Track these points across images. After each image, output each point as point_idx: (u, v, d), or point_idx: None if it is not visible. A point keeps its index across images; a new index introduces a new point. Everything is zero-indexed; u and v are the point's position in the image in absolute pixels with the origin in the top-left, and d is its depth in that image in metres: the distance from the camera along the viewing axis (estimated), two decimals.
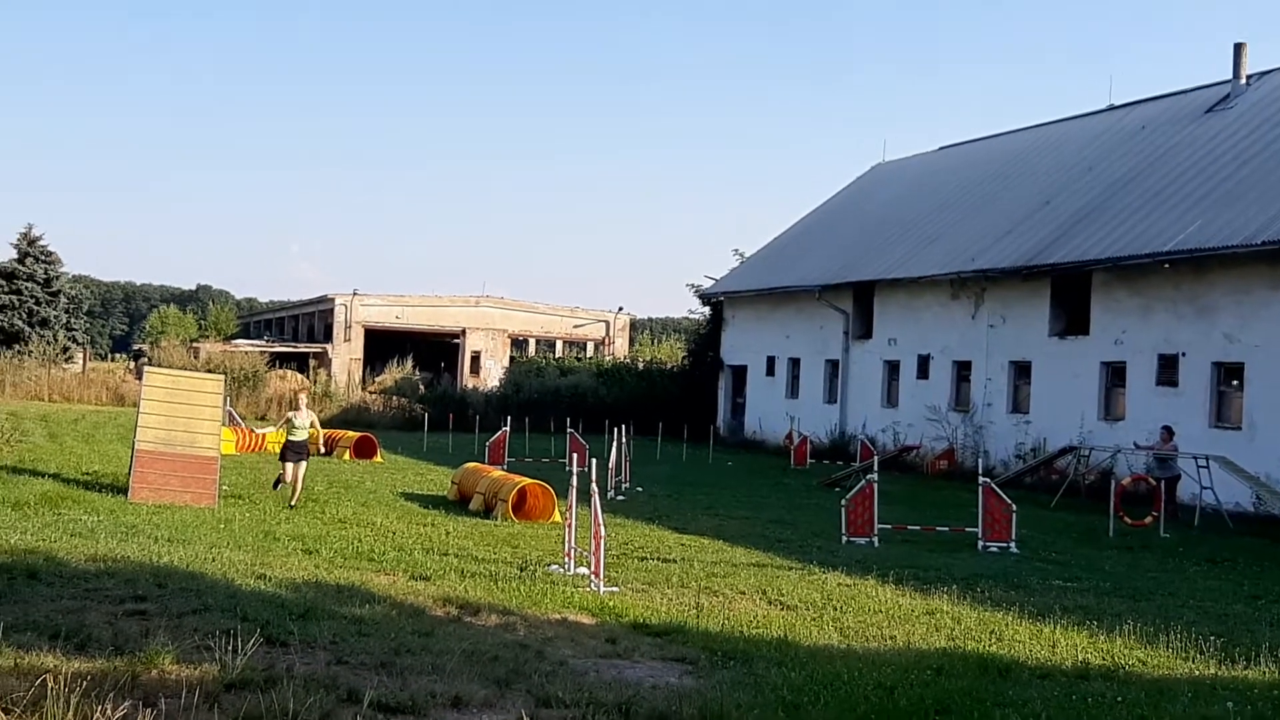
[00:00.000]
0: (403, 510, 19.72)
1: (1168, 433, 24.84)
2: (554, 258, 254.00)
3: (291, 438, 19.67)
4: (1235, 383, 26.92)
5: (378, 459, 29.72)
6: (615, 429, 25.82)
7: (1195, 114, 34.62)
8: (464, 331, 66.77)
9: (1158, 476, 23.72)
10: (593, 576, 12.94)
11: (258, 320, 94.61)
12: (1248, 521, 23.41)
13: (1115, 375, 30.18)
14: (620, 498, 23.21)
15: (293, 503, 19.08)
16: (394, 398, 50.92)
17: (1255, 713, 8.17)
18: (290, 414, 20.19)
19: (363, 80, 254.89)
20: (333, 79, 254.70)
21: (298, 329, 76.28)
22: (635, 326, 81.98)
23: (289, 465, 19.51)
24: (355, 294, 64.77)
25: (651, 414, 41.80)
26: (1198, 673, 9.88)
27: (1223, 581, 16.00)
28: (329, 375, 55.94)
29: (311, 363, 61.77)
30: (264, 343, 67.90)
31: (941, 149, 49.04)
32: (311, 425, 19.92)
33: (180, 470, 18.80)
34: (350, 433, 32.52)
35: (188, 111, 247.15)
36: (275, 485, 20.36)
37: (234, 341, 68.70)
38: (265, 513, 18.07)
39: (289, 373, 54.06)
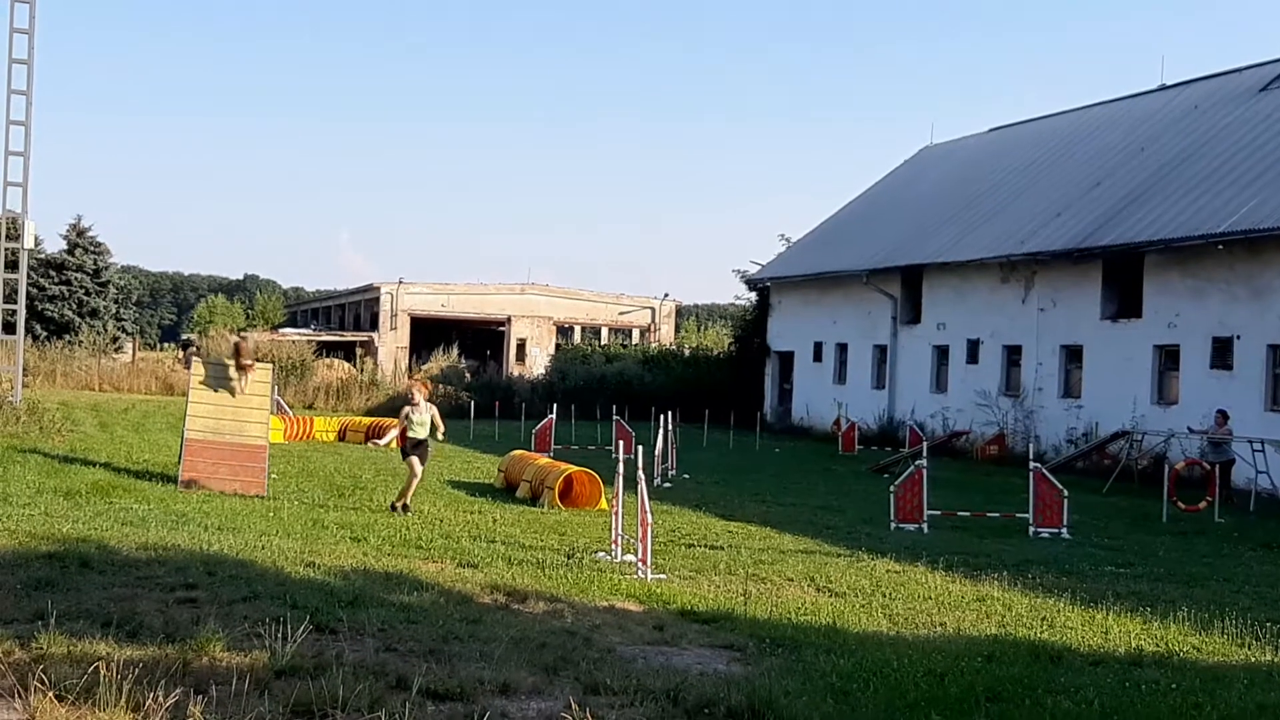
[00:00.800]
0: (450, 498, 19.78)
1: (1222, 416, 24.51)
2: (599, 245, 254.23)
3: (412, 435, 17.85)
4: None
5: None
6: (661, 416, 25.78)
7: (1248, 93, 34.08)
8: (509, 319, 66.93)
9: (1212, 461, 23.43)
10: (640, 564, 12.92)
11: (304, 309, 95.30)
12: None
13: (1168, 358, 29.80)
14: (667, 485, 23.18)
15: (405, 502, 17.44)
16: (440, 386, 51.09)
17: None
18: (407, 409, 18.07)
19: (407, 68, 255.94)
20: (377, 68, 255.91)
21: (344, 318, 76.79)
22: (681, 313, 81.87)
23: (414, 461, 17.66)
24: (401, 282, 65.09)
25: (698, 401, 41.69)
26: (1254, 659, 9.74)
27: (1279, 567, 15.75)
28: (375, 364, 56.24)
29: (358, 351, 62.14)
30: (311, 332, 68.41)
31: (991, 131, 48.59)
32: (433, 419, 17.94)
33: (229, 459, 18.94)
34: (397, 420, 32.58)
35: (235, 102, 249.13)
36: (394, 508, 17.51)
37: (281, 330, 69.24)
38: (314, 501, 18.16)
39: (335, 361, 54.40)
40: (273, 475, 19.87)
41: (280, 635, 7.73)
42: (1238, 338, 27.52)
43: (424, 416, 17.91)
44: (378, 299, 65.18)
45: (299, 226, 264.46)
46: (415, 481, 17.70)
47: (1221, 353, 28.03)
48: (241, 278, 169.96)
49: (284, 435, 29.15)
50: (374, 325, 65.51)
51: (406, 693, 6.92)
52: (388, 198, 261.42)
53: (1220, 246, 27.58)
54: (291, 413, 34.18)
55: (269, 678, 7.14)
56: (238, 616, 8.86)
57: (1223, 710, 7.66)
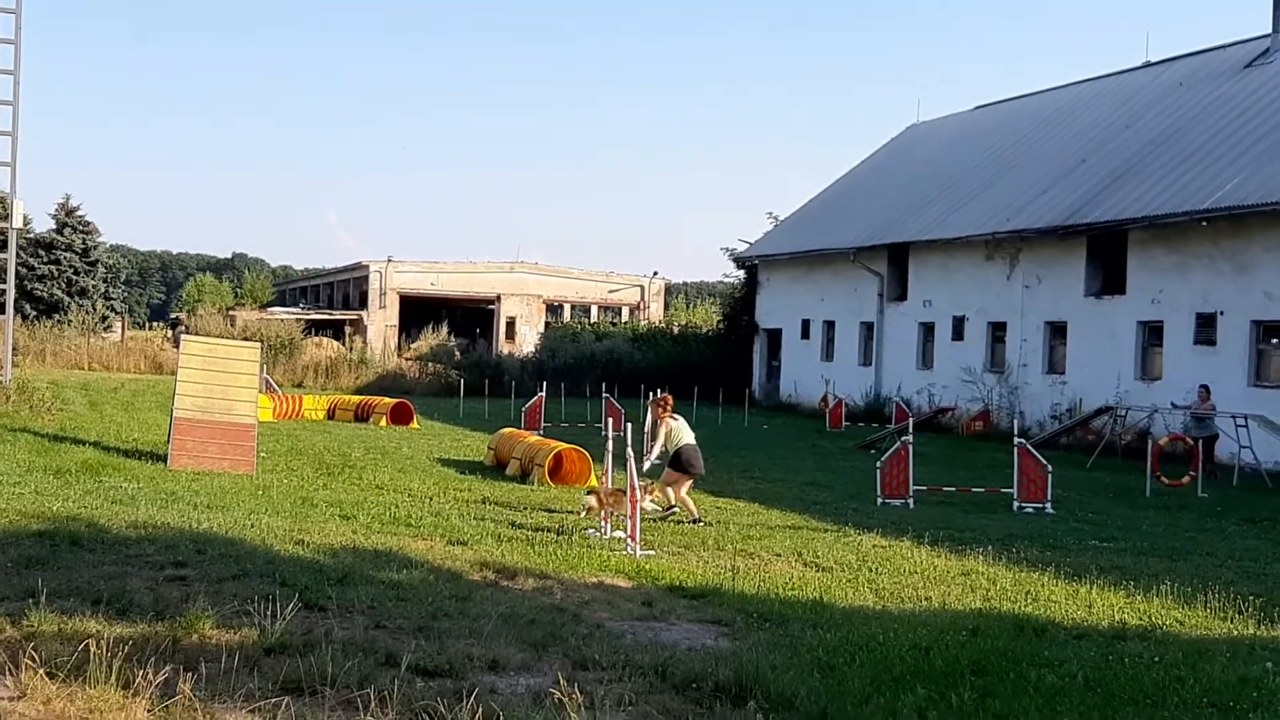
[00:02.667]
0: (439, 476, 19.82)
1: (1205, 391, 24.66)
2: (588, 223, 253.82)
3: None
4: (1275, 341, 26.65)
5: (414, 425, 29.85)
6: (650, 393, 25.81)
7: (1233, 69, 34.13)
8: (499, 297, 66.86)
9: (1195, 436, 23.55)
10: (629, 540, 12.98)
11: (293, 288, 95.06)
12: None
13: (1152, 334, 29.92)
14: (656, 462, 23.23)
15: (696, 517, 15.59)
16: (429, 364, 51.10)
17: None
18: (666, 419, 16.40)
19: (394, 43, 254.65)
20: (367, 47, 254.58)
21: (333, 296, 76.62)
22: (670, 291, 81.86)
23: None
24: (390, 261, 64.95)
25: (687, 378, 41.71)
26: (1236, 633, 9.82)
27: (1261, 541, 15.88)
28: (364, 342, 56.20)
29: (347, 330, 62.08)
30: (299, 310, 68.27)
31: (977, 108, 48.62)
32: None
33: (218, 437, 18.92)
34: (386, 399, 32.68)
35: (225, 80, 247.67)
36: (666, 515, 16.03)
37: (270, 309, 69.09)
38: (303, 479, 18.19)
39: (324, 340, 54.35)
40: (262, 454, 19.87)
41: (269, 613, 7.77)
42: (1221, 313, 27.64)
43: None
44: (366, 277, 65.03)
45: (288, 205, 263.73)
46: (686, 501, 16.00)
47: (1205, 328, 28.16)
48: (230, 256, 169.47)
49: (273, 414, 29.17)
50: (363, 304, 65.37)
51: (395, 669, 6.98)
52: (377, 176, 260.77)
53: (1204, 223, 27.67)
54: (280, 391, 34.20)
55: (258, 655, 7.20)
56: (227, 594, 8.91)
57: (1205, 683, 7.74)
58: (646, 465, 15.62)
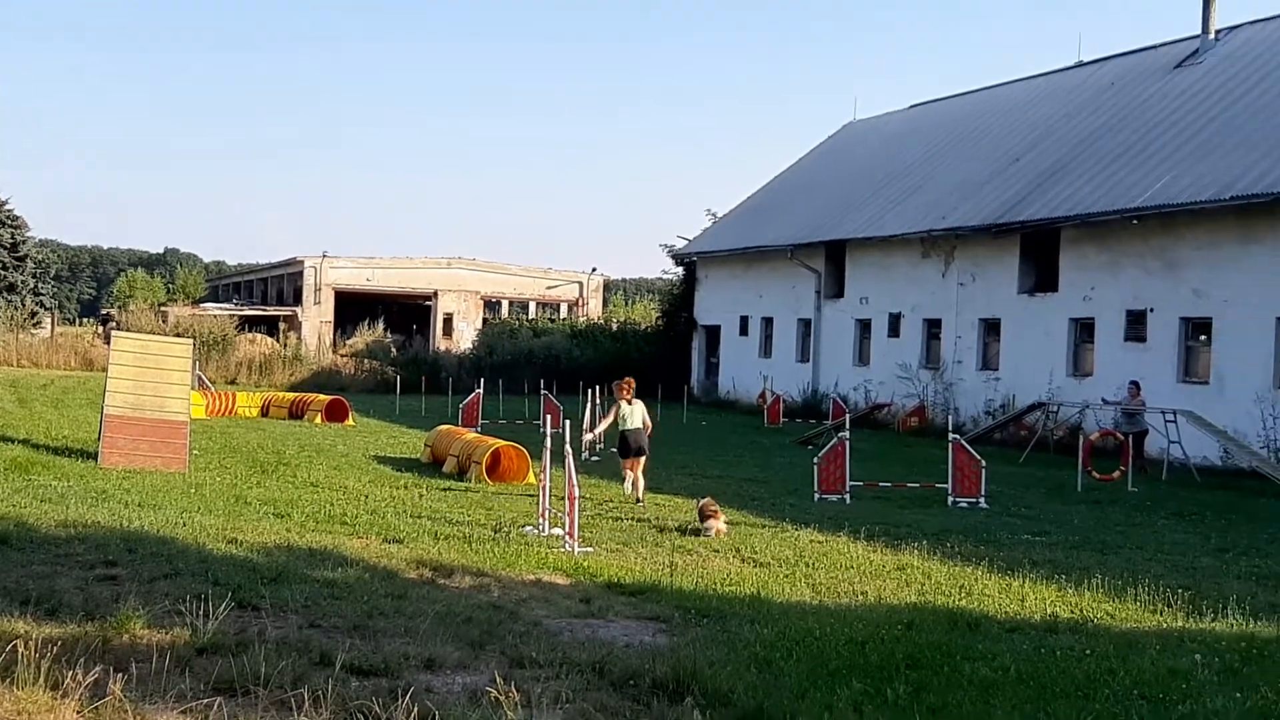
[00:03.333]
0: (375, 473, 19.68)
1: (1135, 388, 25.05)
2: (528, 219, 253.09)
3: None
4: (1203, 337, 27.13)
5: (349, 422, 29.63)
6: (589, 390, 25.80)
7: (1164, 69, 34.69)
8: (436, 293, 66.47)
9: (1125, 431, 23.93)
10: (567, 537, 12.96)
11: (226, 283, 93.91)
12: (1215, 475, 23.63)
13: (1084, 331, 30.36)
14: (595, 459, 23.22)
15: (638, 498, 17.15)
16: (365, 361, 50.75)
17: (1223, 664, 8.26)
18: (621, 400, 18.03)
19: (328, 37, 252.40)
20: (297, 39, 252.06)
21: (267, 292, 75.78)
22: (609, 287, 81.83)
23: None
24: (325, 256, 64.37)
25: (626, 374, 41.62)
26: (1165, 625, 9.98)
27: (1190, 535, 16.15)
28: (299, 338, 55.67)
29: (281, 326, 61.43)
30: (233, 306, 67.48)
31: (913, 107, 48.99)
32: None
33: (150, 435, 18.69)
34: (321, 396, 32.43)
35: (155, 74, 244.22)
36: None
37: (202, 305, 68.25)
38: (236, 477, 18.00)
39: (258, 336, 53.79)
40: (194, 451, 19.65)
41: (202, 612, 7.68)
42: (1151, 311, 28.09)
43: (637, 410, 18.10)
44: (301, 273, 64.40)
45: (221, 200, 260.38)
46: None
47: (1135, 325, 28.60)
48: (162, 251, 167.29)
49: (206, 411, 28.83)
50: (297, 299, 64.73)
51: (330, 669, 6.91)
52: (313, 171, 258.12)
53: (1135, 221, 28.11)
54: (213, 388, 33.84)
55: (190, 655, 7.11)
56: (159, 594, 8.79)
57: (1135, 675, 7.85)
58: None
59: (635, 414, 18.02)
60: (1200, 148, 28.32)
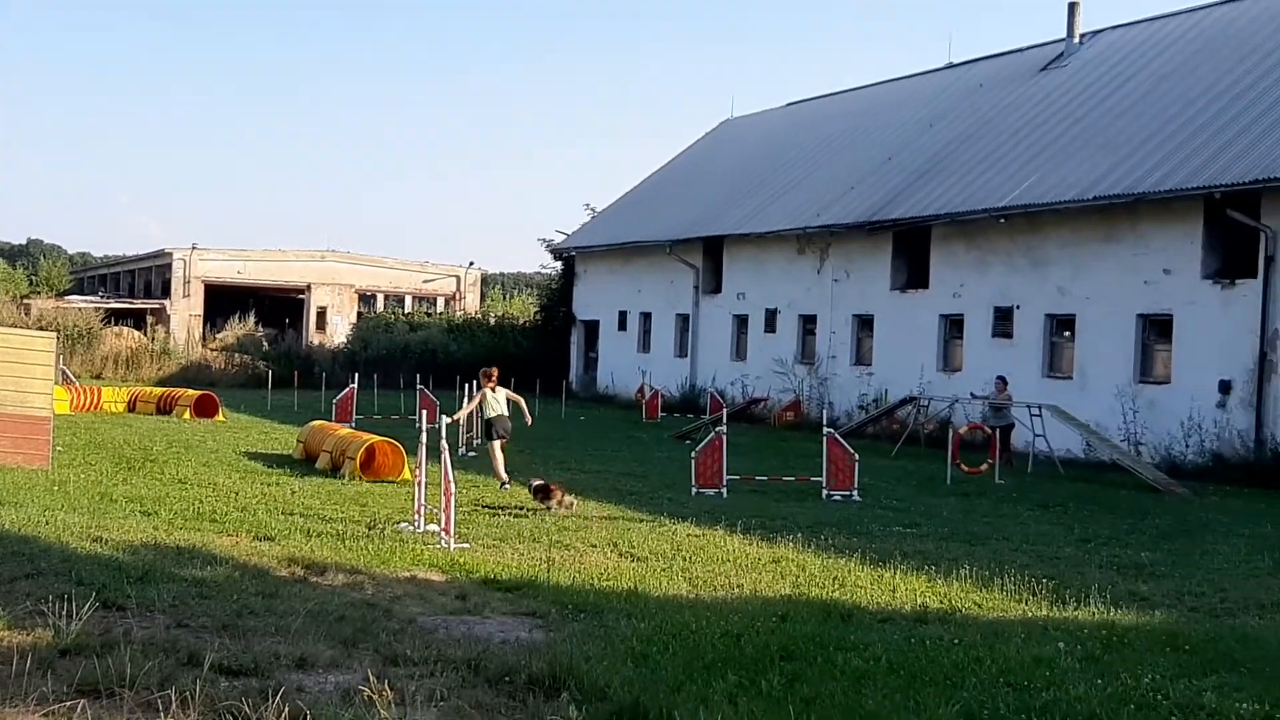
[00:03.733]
0: (246, 470, 19.31)
1: (1002, 383, 25.68)
2: (403, 212, 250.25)
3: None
4: (1067, 334, 27.94)
5: (219, 418, 29.02)
6: (466, 385, 25.61)
7: (1030, 72, 35.64)
8: (309, 287, 65.37)
9: (993, 425, 24.52)
10: (443, 533, 12.86)
11: (92, 276, 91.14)
12: (1078, 467, 24.35)
13: (954, 327, 31.05)
14: (471, 454, 23.08)
15: (504, 480, 18.02)
16: (236, 355, 49.77)
17: (1085, 652, 8.49)
18: (486, 389, 18.74)
19: (194, 18, 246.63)
20: (159, 24, 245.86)
21: (134, 285, 73.80)
22: (487, 281, 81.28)
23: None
24: (194, 248, 62.88)
25: (504, 369, 40.99)
26: (1031, 614, 10.23)
27: (1054, 526, 16.59)
28: (167, 332, 54.33)
29: (149, 319, 59.88)
30: (99, 299, 65.58)
31: (789, 105, 49.58)
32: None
33: (10, 431, 18.11)
34: (190, 391, 31.70)
35: (16, 56, 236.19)
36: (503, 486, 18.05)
37: (67, 298, 66.21)
38: (102, 474, 17.51)
39: (125, 330, 52.41)
40: (58, 447, 19.07)
41: (65, 613, 7.48)
42: (1018, 307, 28.84)
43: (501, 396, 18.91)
44: (170, 265, 62.82)
45: (86, 189, 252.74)
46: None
47: (1003, 322, 29.35)
48: (25, 242, 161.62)
49: (70, 406, 28.03)
50: (166, 293, 63.13)
51: (198, 669, 6.77)
52: (180, 159, 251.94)
53: (1002, 220, 28.83)
54: (78, 383, 32.93)
55: (53, 656, 6.92)
56: (20, 594, 8.54)
57: (1001, 663, 8.04)
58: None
59: (500, 400, 18.74)
60: (1064, 149, 29.15)
